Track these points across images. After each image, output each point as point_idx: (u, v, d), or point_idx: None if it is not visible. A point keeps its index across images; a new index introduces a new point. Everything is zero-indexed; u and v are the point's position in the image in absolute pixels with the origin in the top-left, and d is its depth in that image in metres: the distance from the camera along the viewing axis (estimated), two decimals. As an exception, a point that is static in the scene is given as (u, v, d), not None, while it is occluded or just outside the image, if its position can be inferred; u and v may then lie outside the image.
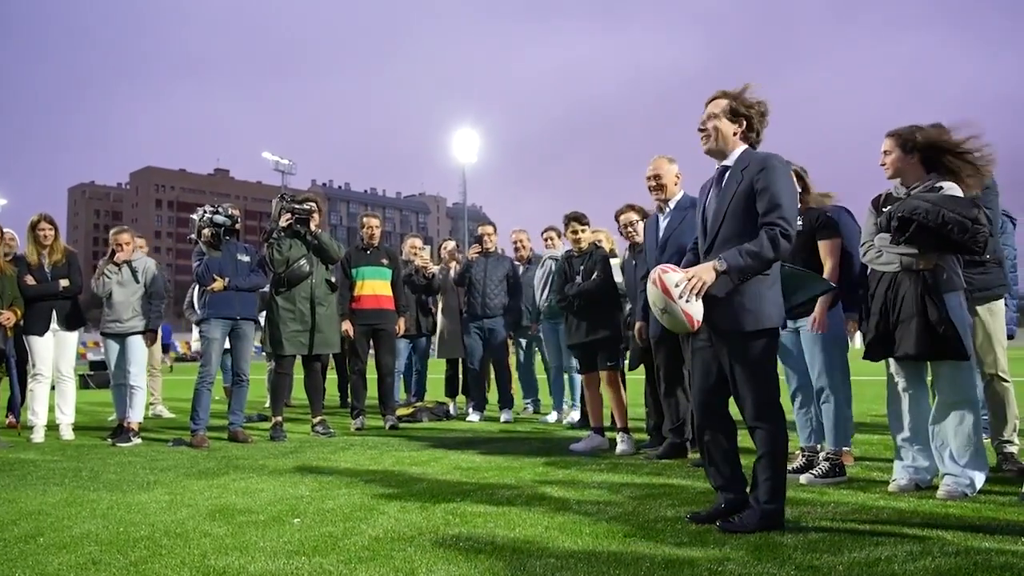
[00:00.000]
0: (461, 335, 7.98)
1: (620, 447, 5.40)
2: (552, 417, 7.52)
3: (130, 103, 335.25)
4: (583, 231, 5.73)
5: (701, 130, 3.31)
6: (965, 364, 3.66)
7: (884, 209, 3.80)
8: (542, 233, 7.75)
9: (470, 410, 7.87)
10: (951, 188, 3.65)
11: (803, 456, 4.41)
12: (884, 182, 4.01)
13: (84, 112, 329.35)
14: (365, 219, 7.51)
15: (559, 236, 7.21)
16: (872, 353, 3.88)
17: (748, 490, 3.22)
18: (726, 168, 3.27)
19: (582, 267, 5.64)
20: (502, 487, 4.16)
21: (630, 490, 4.02)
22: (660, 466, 4.79)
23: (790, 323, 4.26)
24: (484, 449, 5.66)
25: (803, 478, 4.13)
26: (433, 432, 6.85)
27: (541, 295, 6.96)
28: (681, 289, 3.04)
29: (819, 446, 4.37)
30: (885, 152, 3.86)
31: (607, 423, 5.80)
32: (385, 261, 7.31)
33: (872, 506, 3.51)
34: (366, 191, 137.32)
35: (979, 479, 3.66)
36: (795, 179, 4.35)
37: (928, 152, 3.75)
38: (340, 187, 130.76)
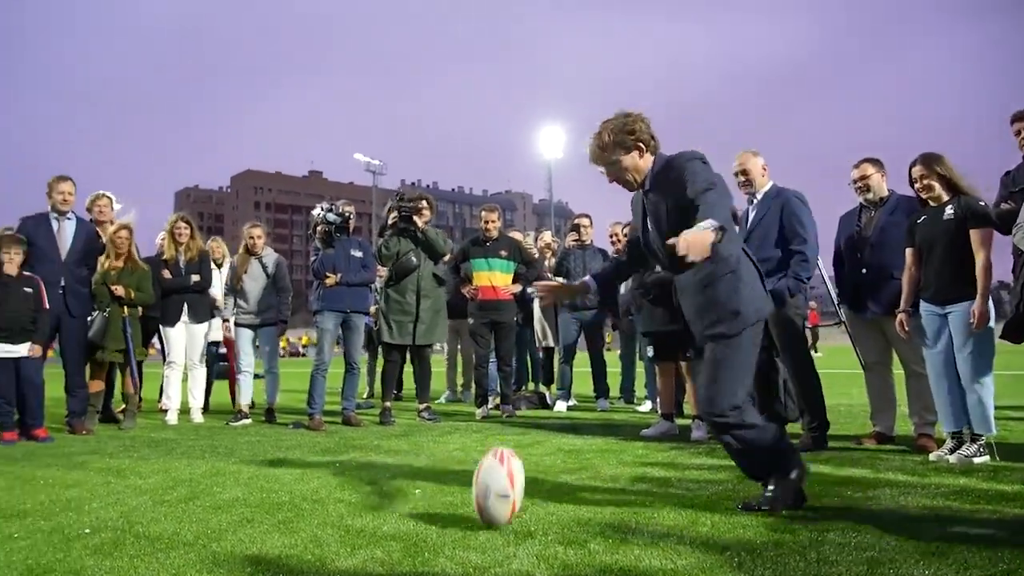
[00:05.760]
0: (555, 324, 8.21)
1: (695, 434, 5.52)
2: (646, 407, 7.66)
3: (231, 107, 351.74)
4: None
5: (614, 182, 3.33)
6: None
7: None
8: (623, 227, 7.92)
9: (557, 399, 8.01)
10: None
11: (951, 439, 4.26)
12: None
13: (189, 117, 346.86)
14: (484, 212, 7.59)
15: None
16: (1010, 333, 3.83)
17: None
18: (644, 180, 3.31)
19: None
20: (605, 466, 4.38)
21: (728, 471, 4.16)
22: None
23: (938, 308, 4.21)
24: (584, 434, 5.88)
25: (952, 458, 4.10)
26: (531, 419, 7.12)
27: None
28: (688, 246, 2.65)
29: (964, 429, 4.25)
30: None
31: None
32: (504, 253, 7.39)
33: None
34: (453, 189, 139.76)
35: None
36: (946, 166, 4.26)
37: None
38: (428, 186, 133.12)
